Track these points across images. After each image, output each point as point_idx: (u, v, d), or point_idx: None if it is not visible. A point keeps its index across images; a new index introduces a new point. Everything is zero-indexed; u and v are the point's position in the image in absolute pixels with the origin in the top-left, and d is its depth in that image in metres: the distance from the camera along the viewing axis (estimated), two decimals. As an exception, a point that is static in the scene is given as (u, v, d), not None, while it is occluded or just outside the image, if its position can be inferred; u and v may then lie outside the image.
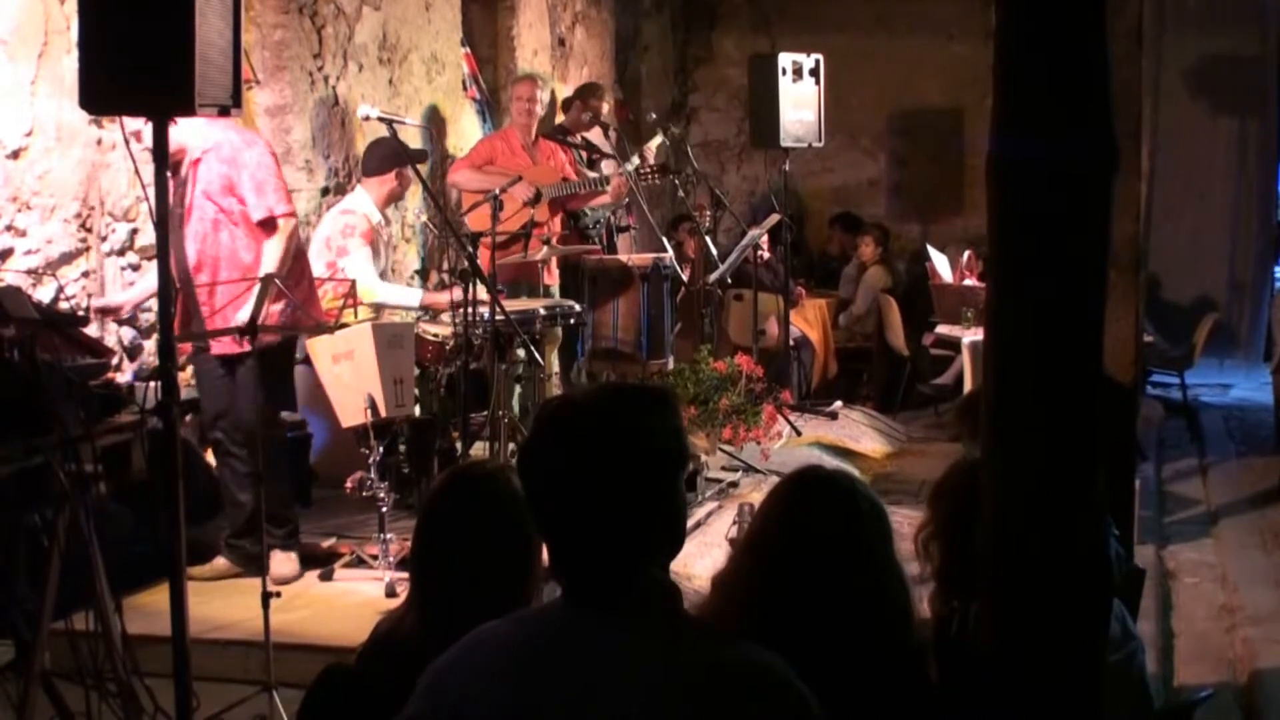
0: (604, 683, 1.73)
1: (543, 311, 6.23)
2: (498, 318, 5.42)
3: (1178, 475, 7.81)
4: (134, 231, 5.63)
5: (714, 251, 7.97)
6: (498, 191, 5.93)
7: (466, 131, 8.28)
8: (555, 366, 7.55)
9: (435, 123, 7.89)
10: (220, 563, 5.07)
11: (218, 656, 4.32)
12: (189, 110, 3.35)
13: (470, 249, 5.47)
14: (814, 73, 8.71)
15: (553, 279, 7.22)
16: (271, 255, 4.87)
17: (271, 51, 6.58)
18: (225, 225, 4.89)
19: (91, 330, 4.94)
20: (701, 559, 5.37)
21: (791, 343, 9.02)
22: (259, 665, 3.98)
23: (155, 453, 3.70)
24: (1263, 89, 10.91)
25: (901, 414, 9.25)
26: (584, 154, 7.83)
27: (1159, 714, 3.11)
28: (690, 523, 5.49)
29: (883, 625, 2.25)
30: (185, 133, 4.77)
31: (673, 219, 10.00)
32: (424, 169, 6.36)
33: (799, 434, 7.79)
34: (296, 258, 5.05)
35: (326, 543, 5.39)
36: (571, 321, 6.66)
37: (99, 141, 5.42)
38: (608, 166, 7.80)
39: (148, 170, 3.50)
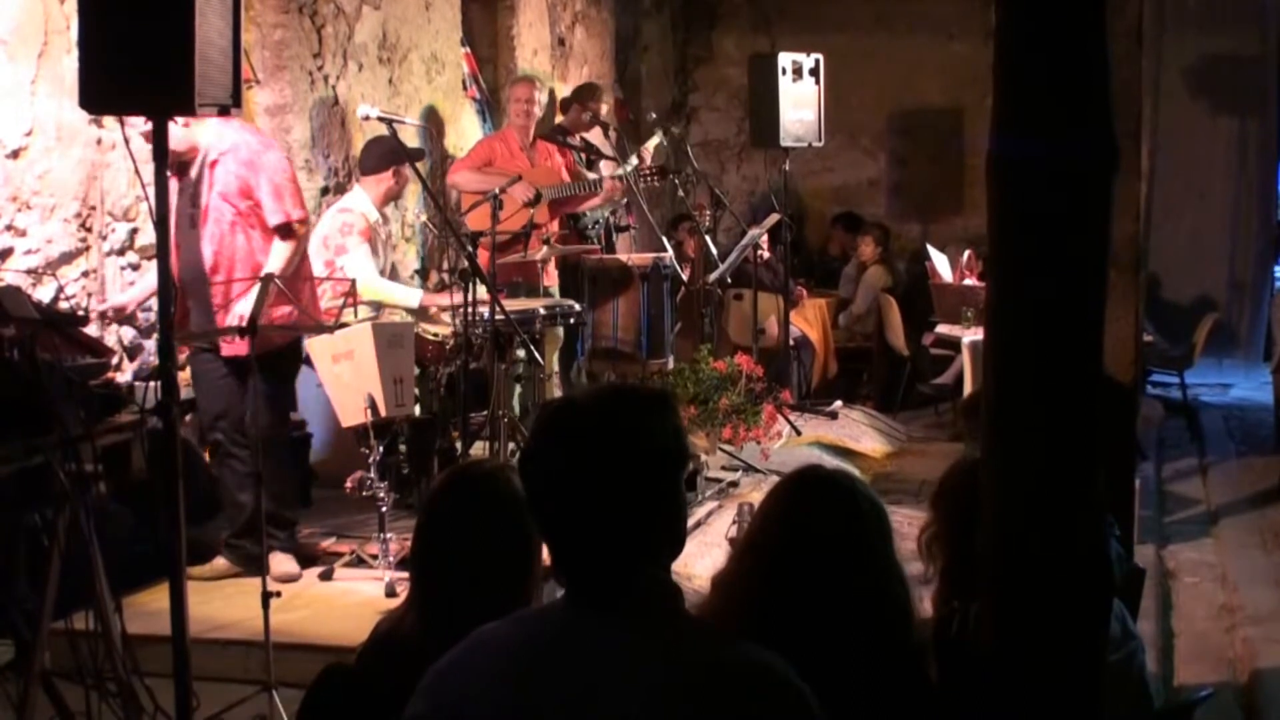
0: (604, 683, 1.73)
1: (543, 311, 6.22)
2: (498, 317, 5.43)
3: (1178, 475, 7.81)
4: (134, 231, 5.63)
5: (714, 251, 7.97)
6: (497, 191, 5.94)
7: (466, 131, 8.28)
8: (555, 366, 7.54)
9: (435, 122, 7.89)
10: (220, 563, 5.07)
11: (218, 656, 4.32)
12: (189, 110, 3.36)
13: (470, 249, 5.47)
14: (814, 72, 8.71)
15: (551, 280, 7.22)
16: (279, 257, 4.87)
17: (271, 51, 6.58)
18: (243, 228, 4.89)
19: (91, 330, 4.94)
20: (701, 559, 5.37)
21: (791, 342, 9.02)
22: (259, 665, 3.98)
23: (155, 453, 3.69)
24: (1263, 89, 10.90)
25: (901, 414, 9.25)
26: (583, 155, 7.83)
27: (1159, 714, 3.10)
28: (690, 523, 5.47)
29: (883, 625, 2.25)
30: (201, 133, 4.77)
31: (673, 219, 9.99)
32: (423, 168, 6.35)
33: (799, 434, 7.79)
34: (299, 259, 5.05)
35: (326, 543, 5.40)
36: (571, 321, 6.67)
37: (99, 141, 5.42)
38: (607, 167, 7.79)
39: (148, 170, 3.50)
